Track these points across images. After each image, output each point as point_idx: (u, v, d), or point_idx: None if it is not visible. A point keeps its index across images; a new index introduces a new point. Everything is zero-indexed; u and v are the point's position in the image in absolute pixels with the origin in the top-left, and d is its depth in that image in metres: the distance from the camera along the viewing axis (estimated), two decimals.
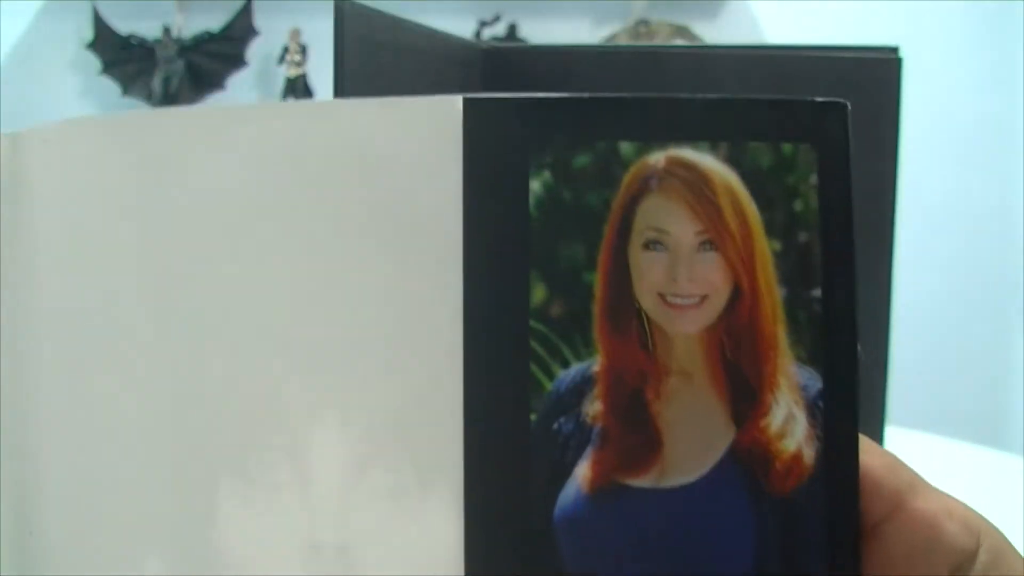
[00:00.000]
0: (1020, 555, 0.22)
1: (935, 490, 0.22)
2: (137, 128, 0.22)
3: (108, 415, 0.22)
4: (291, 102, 0.22)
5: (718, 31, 1.81)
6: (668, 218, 0.20)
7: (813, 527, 0.21)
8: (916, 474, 0.22)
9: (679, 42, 1.75)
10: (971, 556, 0.21)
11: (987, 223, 1.75)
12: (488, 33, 1.82)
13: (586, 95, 0.21)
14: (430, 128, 0.21)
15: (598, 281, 0.20)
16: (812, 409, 0.20)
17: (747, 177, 0.20)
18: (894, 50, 0.49)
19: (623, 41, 1.77)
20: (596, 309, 0.20)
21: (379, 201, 0.21)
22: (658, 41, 1.74)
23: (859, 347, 0.21)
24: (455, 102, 0.21)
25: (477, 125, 0.21)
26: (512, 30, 1.84)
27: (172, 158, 0.22)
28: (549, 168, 0.21)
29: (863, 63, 0.47)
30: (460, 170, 0.21)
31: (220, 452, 0.21)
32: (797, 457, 0.20)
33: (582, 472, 0.20)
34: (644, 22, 1.80)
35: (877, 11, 1.70)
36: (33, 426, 0.23)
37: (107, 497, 0.22)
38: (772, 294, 0.21)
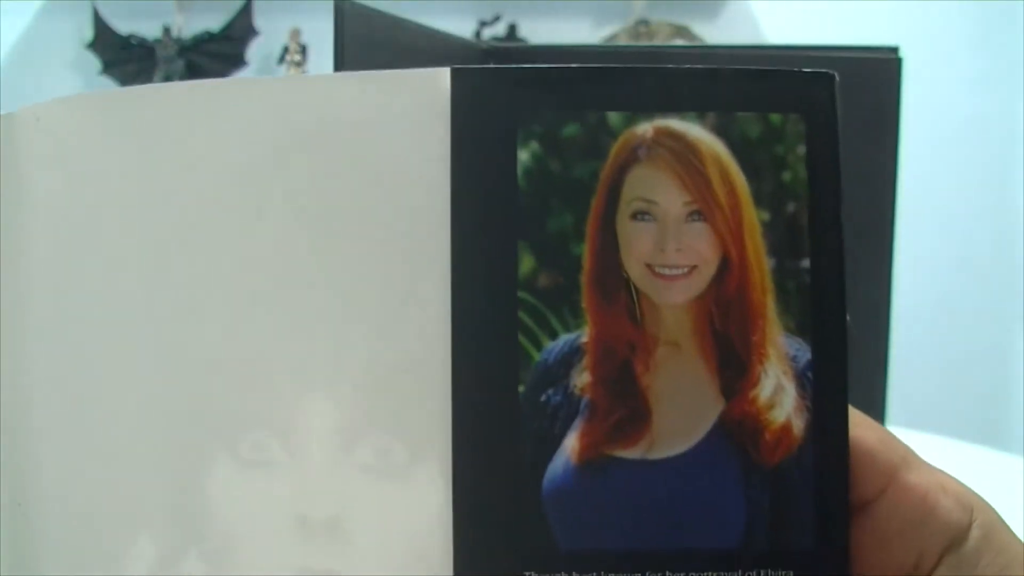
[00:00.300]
0: (1012, 531, 0.22)
1: (928, 465, 0.22)
2: (129, 104, 0.22)
3: (100, 390, 0.22)
4: (281, 76, 0.22)
5: (718, 31, 1.81)
6: (656, 188, 0.20)
7: (802, 499, 0.21)
8: (909, 449, 0.22)
9: (679, 42, 1.75)
10: (964, 531, 0.21)
11: (987, 223, 1.74)
12: (488, 33, 1.82)
13: (574, 66, 0.21)
14: (418, 99, 0.21)
15: (586, 252, 0.20)
16: (801, 380, 0.20)
17: (735, 147, 0.20)
18: (894, 50, 0.49)
19: (623, 41, 1.77)
20: (584, 280, 0.20)
21: (367, 173, 0.21)
22: (658, 41, 1.74)
23: (848, 318, 0.21)
24: (443, 74, 0.21)
25: (465, 96, 0.21)
26: (512, 30, 1.84)
27: (163, 132, 0.22)
28: (537, 139, 0.21)
29: (863, 63, 0.47)
30: (448, 141, 0.21)
31: (210, 428, 0.21)
32: (786, 428, 0.21)
33: (571, 444, 0.20)
34: (644, 22, 1.80)
35: (877, 11, 1.70)
36: (26, 403, 0.23)
37: (99, 471, 0.22)
38: (760, 264, 0.21)
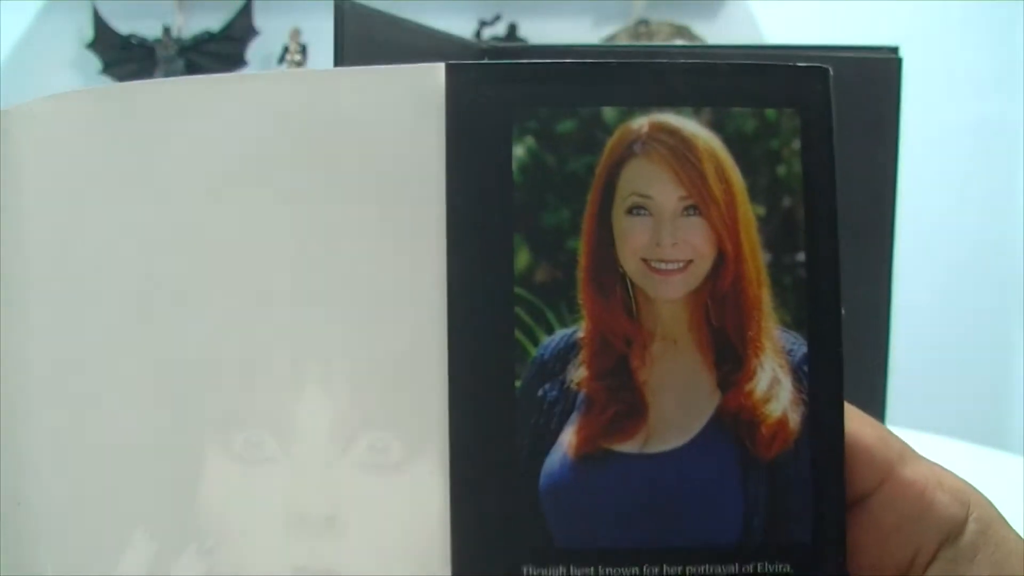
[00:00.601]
0: (1010, 525, 0.22)
1: (925, 460, 0.22)
2: (123, 99, 0.22)
3: (97, 387, 0.22)
4: (276, 71, 0.22)
5: (718, 31, 1.81)
6: (652, 183, 0.20)
7: (799, 492, 0.21)
8: (906, 444, 0.22)
9: (679, 42, 1.75)
10: (961, 525, 0.21)
11: (987, 223, 1.74)
12: (488, 33, 1.82)
13: (569, 61, 0.21)
14: (414, 94, 0.21)
15: (582, 246, 0.20)
16: (797, 373, 0.21)
17: (731, 142, 0.21)
18: (894, 50, 0.49)
19: (623, 41, 1.77)
20: (580, 275, 0.20)
21: (363, 167, 0.21)
22: (658, 41, 1.74)
23: (843, 312, 0.21)
24: (438, 69, 0.21)
25: (460, 91, 0.21)
26: (512, 30, 1.84)
27: (157, 127, 0.22)
28: (533, 134, 0.21)
29: (863, 63, 0.47)
30: (443, 136, 0.21)
31: (206, 425, 0.21)
32: (783, 422, 0.21)
33: (567, 439, 0.20)
34: (644, 22, 1.80)
35: (877, 11, 1.70)
36: (24, 401, 0.23)
37: (97, 469, 0.22)
38: (756, 258, 0.21)
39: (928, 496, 0.22)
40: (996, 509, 0.22)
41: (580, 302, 0.21)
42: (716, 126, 0.21)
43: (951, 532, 0.21)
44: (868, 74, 0.47)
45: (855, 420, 0.22)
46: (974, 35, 1.75)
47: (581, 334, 0.21)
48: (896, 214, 0.48)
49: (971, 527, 0.22)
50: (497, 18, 1.82)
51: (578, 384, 0.21)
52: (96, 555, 0.22)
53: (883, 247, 0.48)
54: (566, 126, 0.21)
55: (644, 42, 1.73)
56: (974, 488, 0.22)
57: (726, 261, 0.21)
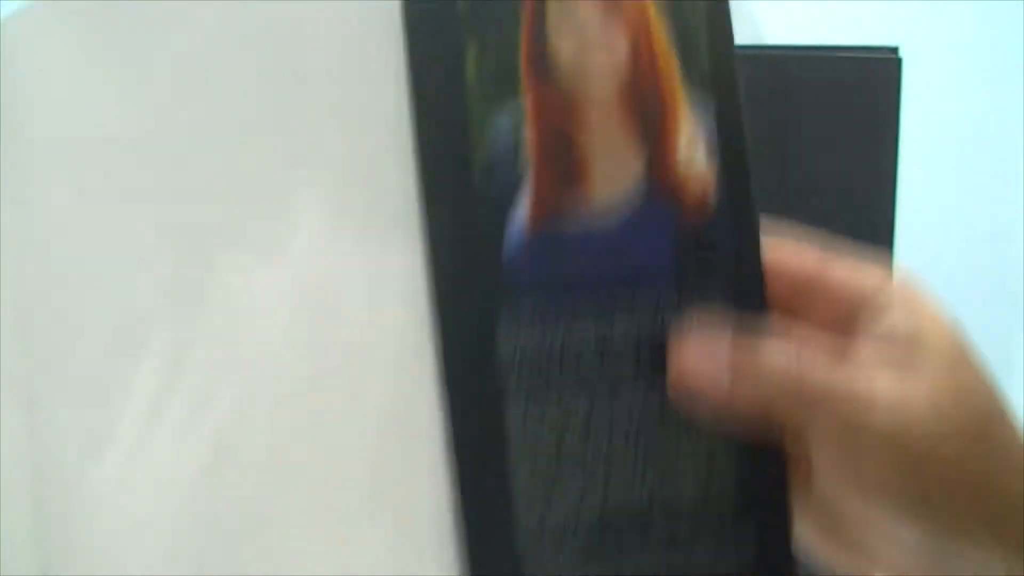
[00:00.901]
0: (934, 300, 0.26)
1: (845, 257, 0.25)
2: (110, 8, 0.26)
3: (105, 217, 0.26)
4: None
5: None
6: None
7: (722, 250, 0.24)
8: (825, 249, 0.26)
9: None
10: (886, 306, 0.24)
11: (987, 223, 1.74)
12: None
13: None
14: None
15: (522, 49, 0.24)
16: (713, 150, 0.24)
17: None
18: (894, 50, 0.49)
19: None
20: (522, 70, 0.24)
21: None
22: None
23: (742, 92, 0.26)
24: None
25: None
26: None
27: (139, 35, 0.26)
28: None
29: (863, 63, 0.47)
30: None
31: (220, 226, 0.25)
32: (703, 188, 0.24)
33: (523, 209, 0.24)
34: None
35: (877, 11, 1.70)
36: (40, 243, 0.27)
37: (110, 270, 0.26)
38: (668, 54, 0.25)
39: (852, 287, 0.25)
40: (920, 287, 0.26)
41: (523, 91, 0.24)
42: None
43: (877, 314, 0.24)
44: (868, 74, 0.47)
45: (771, 243, 0.25)
46: (974, 35, 1.75)
47: (526, 120, 0.24)
48: (896, 214, 0.48)
49: (895, 295, 0.25)
50: None
51: (527, 162, 0.24)
52: (115, 356, 0.26)
53: (883, 247, 0.48)
54: None
55: None
56: (899, 269, 0.26)
57: (642, 54, 0.25)
